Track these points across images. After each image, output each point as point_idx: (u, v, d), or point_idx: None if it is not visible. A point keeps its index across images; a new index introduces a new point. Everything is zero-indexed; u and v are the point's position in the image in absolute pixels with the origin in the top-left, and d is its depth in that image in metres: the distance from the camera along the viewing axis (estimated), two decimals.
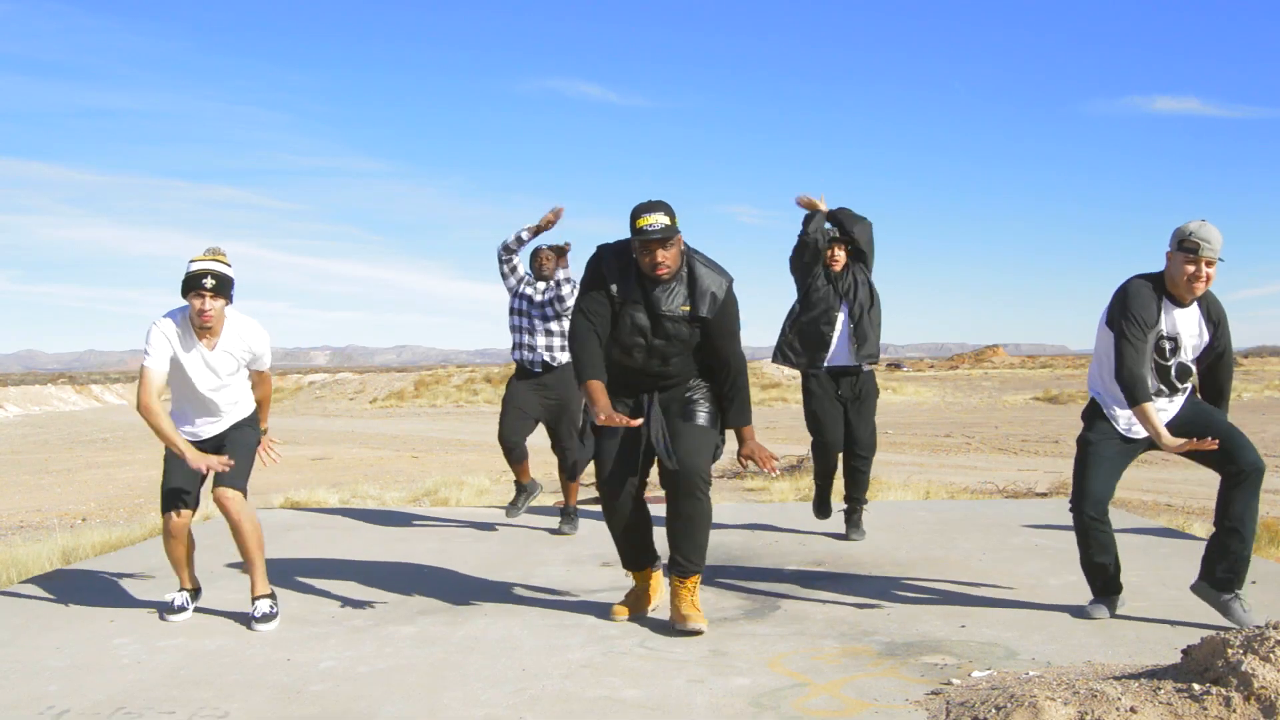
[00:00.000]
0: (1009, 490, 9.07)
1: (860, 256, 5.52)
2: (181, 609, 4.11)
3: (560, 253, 5.85)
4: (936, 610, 4.11)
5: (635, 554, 4.06)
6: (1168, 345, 3.82)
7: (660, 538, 4.14)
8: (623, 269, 3.83)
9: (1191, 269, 3.73)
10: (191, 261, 3.94)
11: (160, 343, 3.97)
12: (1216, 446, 3.62)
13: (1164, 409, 3.87)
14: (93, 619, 4.13)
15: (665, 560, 4.09)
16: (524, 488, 6.05)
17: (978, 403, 30.96)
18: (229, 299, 4.01)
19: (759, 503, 7.75)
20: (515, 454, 5.89)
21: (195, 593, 4.24)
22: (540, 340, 5.84)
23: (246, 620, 4.02)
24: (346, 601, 4.37)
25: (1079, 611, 3.97)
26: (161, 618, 4.09)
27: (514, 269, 5.90)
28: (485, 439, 18.87)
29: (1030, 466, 12.80)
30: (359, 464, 15.23)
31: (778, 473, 4.42)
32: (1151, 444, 3.91)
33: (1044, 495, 8.46)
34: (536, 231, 5.85)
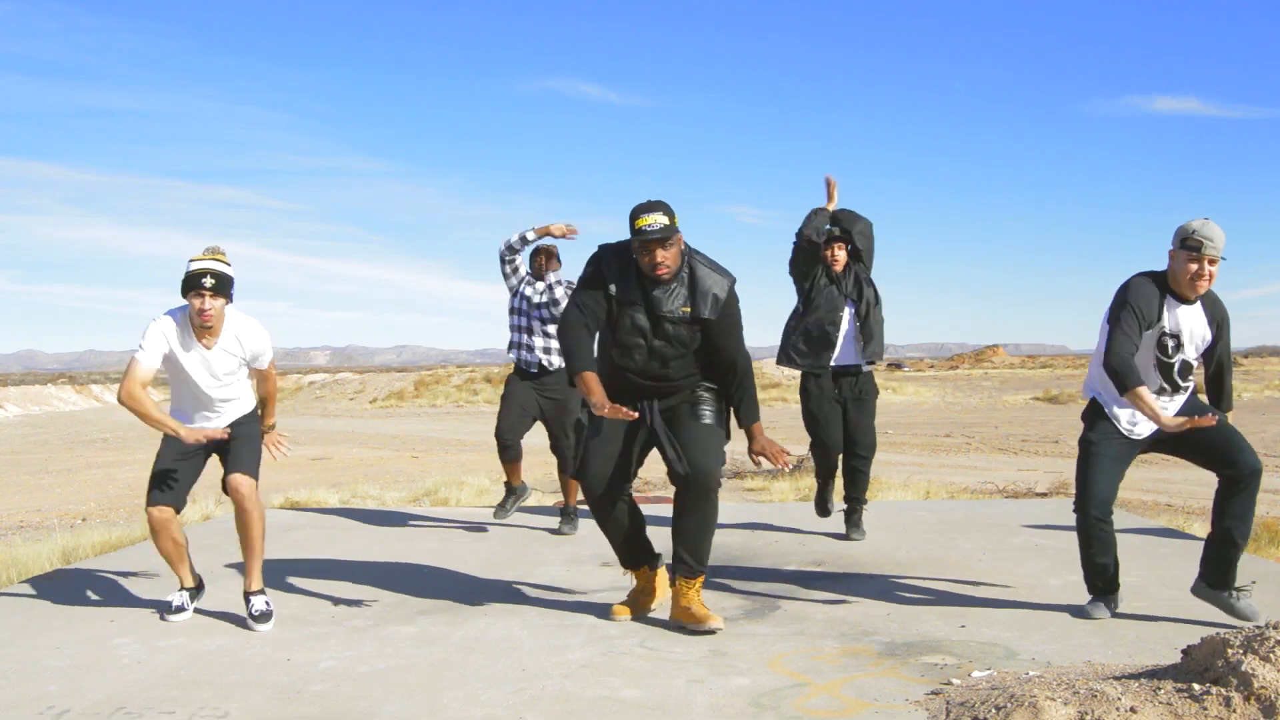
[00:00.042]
0: (1009, 490, 9.08)
1: (859, 256, 5.52)
2: (180, 609, 4.11)
3: (550, 254, 5.87)
4: (936, 610, 4.11)
5: (631, 553, 4.05)
6: (1170, 343, 3.82)
7: (657, 537, 4.14)
8: (623, 269, 3.82)
9: (1194, 267, 3.73)
10: (191, 261, 3.93)
11: (156, 340, 3.96)
12: (1215, 423, 3.64)
13: (1166, 407, 3.86)
14: (93, 619, 4.13)
15: (665, 561, 4.09)
16: (513, 490, 6.04)
17: (978, 403, 30.97)
18: (229, 298, 4.00)
19: (759, 503, 7.75)
20: (510, 453, 5.88)
21: (198, 588, 4.23)
22: (538, 341, 5.84)
23: (246, 620, 4.01)
24: (346, 601, 4.37)
25: (1079, 611, 3.97)
26: (161, 618, 4.09)
27: (515, 269, 5.90)
28: (485, 439, 18.86)
29: (1030, 466, 12.81)
30: (359, 464, 15.24)
31: (790, 466, 4.43)
32: (1151, 443, 3.92)
33: (1044, 495, 8.46)
34: (541, 234, 5.84)
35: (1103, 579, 3.94)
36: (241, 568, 4.16)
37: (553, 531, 6.09)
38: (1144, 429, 3.88)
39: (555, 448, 5.96)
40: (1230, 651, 2.74)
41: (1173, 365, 3.84)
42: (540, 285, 5.89)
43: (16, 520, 9.84)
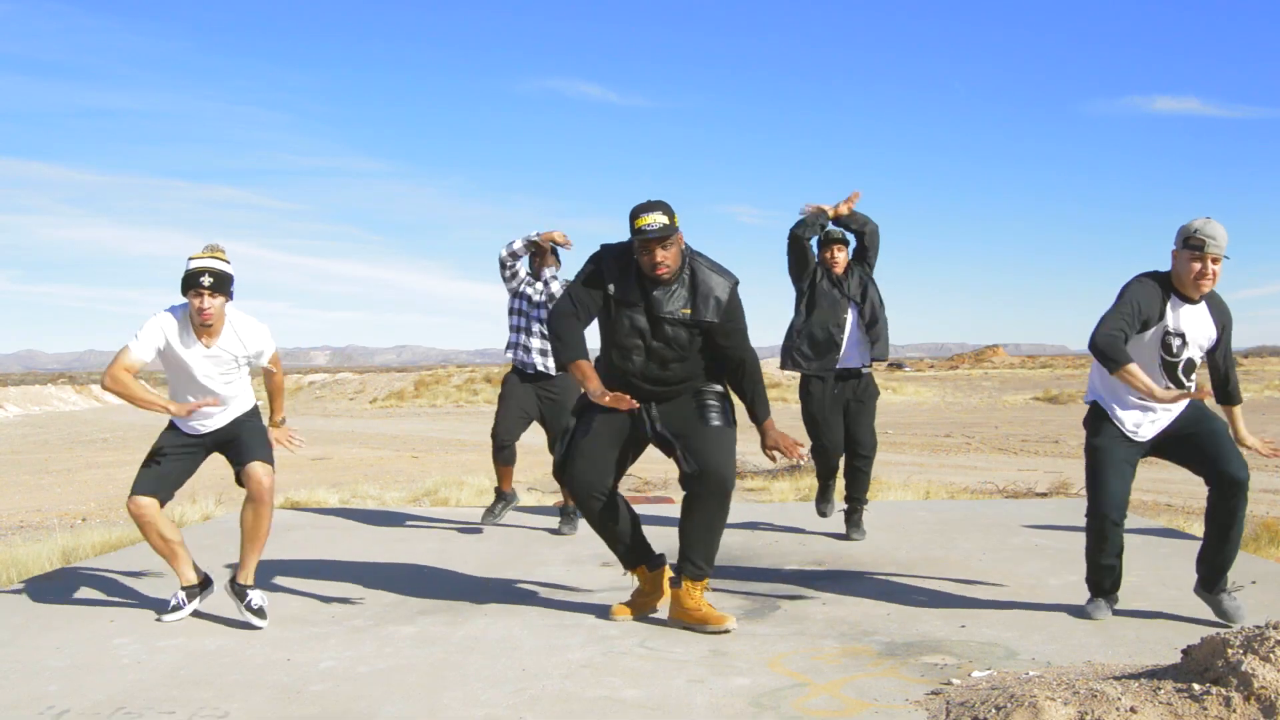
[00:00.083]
0: (1009, 490, 9.07)
1: (862, 256, 5.51)
2: (177, 608, 4.10)
3: (547, 251, 5.87)
4: (936, 610, 4.11)
5: (628, 553, 4.03)
6: (1174, 341, 3.82)
7: (658, 537, 4.14)
8: (623, 269, 3.81)
9: (1197, 266, 3.73)
10: (190, 259, 3.92)
11: (153, 333, 3.94)
12: (1211, 395, 3.68)
13: (1168, 408, 3.86)
14: (93, 619, 4.13)
15: (669, 561, 4.09)
16: (503, 495, 6.02)
17: (978, 403, 30.97)
18: (228, 296, 3.99)
19: (759, 503, 7.76)
20: (505, 455, 5.88)
21: (203, 585, 4.20)
22: (535, 343, 5.84)
23: (244, 617, 4.00)
24: (346, 601, 4.37)
25: (1079, 611, 3.98)
26: (157, 618, 4.09)
27: (515, 274, 5.90)
28: (485, 439, 18.87)
29: (1030, 466, 12.81)
30: (359, 464, 15.23)
31: (805, 459, 4.43)
32: (1153, 447, 3.92)
33: (1044, 495, 8.46)
34: (546, 240, 5.85)
35: (1109, 580, 3.94)
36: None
37: (552, 531, 6.09)
38: (1146, 431, 3.88)
39: (554, 448, 5.95)
40: (1230, 651, 2.73)
41: (1177, 364, 3.84)
42: (539, 285, 5.89)
43: (16, 520, 9.84)
